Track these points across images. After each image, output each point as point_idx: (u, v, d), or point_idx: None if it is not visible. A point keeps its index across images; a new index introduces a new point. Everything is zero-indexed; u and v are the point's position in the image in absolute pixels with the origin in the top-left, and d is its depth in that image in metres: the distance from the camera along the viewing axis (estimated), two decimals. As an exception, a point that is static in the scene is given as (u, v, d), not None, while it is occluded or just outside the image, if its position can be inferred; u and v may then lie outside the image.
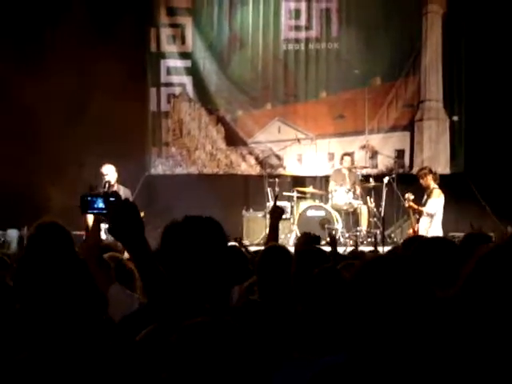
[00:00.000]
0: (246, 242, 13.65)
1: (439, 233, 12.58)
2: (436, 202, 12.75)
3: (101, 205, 2.97)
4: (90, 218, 11.96)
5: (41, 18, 15.14)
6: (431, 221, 12.77)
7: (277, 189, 14.49)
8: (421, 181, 12.91)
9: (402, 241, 12.74)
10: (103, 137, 14.35)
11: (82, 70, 14.90)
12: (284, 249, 5.08)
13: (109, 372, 2.43)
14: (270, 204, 14.31)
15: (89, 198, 3.04)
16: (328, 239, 10.52)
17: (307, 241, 5.82)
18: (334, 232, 13.19)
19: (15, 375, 2.45)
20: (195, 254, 2.96)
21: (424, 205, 12.80)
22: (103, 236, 10.40)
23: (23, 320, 2.81)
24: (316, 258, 4.56)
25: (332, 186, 14.36)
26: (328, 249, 6.38)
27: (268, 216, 13.72)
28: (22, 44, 14.55)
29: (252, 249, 9.51)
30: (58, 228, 4.16)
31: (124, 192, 12.24)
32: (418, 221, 12.84)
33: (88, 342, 2.53)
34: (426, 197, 12.90)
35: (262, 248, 8.15)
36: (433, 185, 12.83)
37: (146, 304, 3.81)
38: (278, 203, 7.15)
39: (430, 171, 13.00)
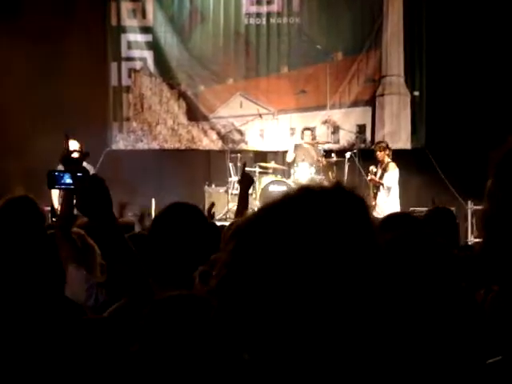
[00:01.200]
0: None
1: (397, 206, 12.79)
2: (392, 174, 12.97)
3: (68, 180, 2.94)
4: (55, 194, 11.95)
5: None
6: (388, 194, 12.95)
7: (239, 164, 14.47)
8: (378, 153, 13.10)
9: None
10: (64, 111, 14.23)
11: (42, 42, 14.72)
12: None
13: (72, 347, 2.41)
14: (232, 179, 14.32)
15: (56, 174, 3.01)
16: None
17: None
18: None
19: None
20: (182, 239, 3.00)
21: (381, 178, 12.98)
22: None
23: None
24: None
25: (290, 156, 14.37)
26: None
27: (230, 192, 13.76)
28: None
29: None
30: (29, 203, 4.06)
31: (87, 167, 12.16)
32: (375, 194, 13.01)
33: (46, 319, 2.50)
34: (381, 171, 13.08)
35: (226, 223, 8.15)
36: (387, 159, 13.03)
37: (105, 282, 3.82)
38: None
39: (387, 146, 13.21)
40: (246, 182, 5.94)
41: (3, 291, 2.52)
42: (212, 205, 7.84)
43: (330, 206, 1.29)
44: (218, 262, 1.34)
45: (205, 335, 1.84)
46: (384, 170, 13.02)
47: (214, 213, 8.19)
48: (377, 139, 15.63)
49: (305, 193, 1.33)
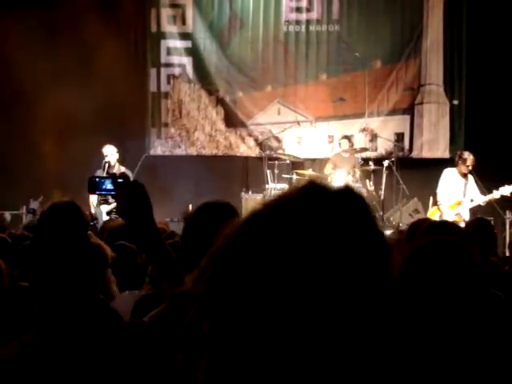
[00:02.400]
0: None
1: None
2: None
3: (109, 186, 2.96)
4: (93, 199, 12.05)
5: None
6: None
7: (276, 171, 14.48)
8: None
9: (400, 224, 12.83)
10: (103, 117, 14.36)
11: (83, 49, 14.88)
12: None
13: (117, 353, 2.43)
14: (269, 186, 14.32)
15: (97, 179, 3.03)
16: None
17: None
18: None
19: (22, 356, 2.45)
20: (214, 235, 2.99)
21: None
22: (105, 217, 10.47)
23: (30, 299, 2.82)
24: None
25: (328, 168, 14.33)
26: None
27: (271, 194, 13.73)
28: (27, 19, 14.46)
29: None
30: (74, 209, 3.99)
31: (125, 172, 12.28)
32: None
33: (86, 324, 2.53)
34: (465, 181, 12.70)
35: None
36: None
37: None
38: (282, 186, 7.04)
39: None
40: None
41: (45, 295, 2.55)
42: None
43: (335, 207, 1.17)
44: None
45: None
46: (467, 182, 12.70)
47: None
48: (415, 148, 15.56)
49: (308, 190, 1.21)
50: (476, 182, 12.66)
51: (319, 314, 1.10)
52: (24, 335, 2.57)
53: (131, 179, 11.10)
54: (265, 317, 1.11)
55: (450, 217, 12.22)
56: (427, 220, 5.96)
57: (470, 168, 12.56)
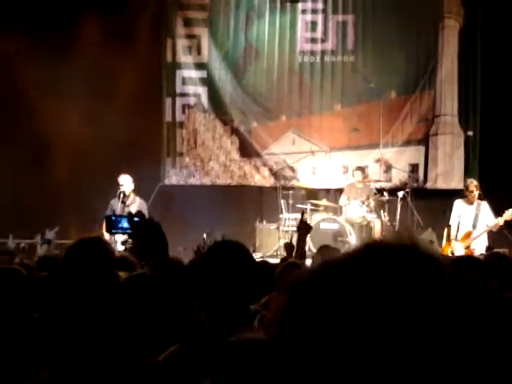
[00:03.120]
0: (258, 254, 13.69)
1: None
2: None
3: (125, 225, 2.99)
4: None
5: (65, 21, 15.17)
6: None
7: (290, 201, 14.50)
8: (479, 193, 12.54)
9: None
10: (118, 146, 14.42)
11: (99, 78, 14.96)
12: (302, 265, 5.10)
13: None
14: (284, 216, 14.33)
15: (113, 218, 3.07)
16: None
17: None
18: (347, 246, 13.19)
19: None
20: (225, 277, 3.00)
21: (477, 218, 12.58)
22: (119, 248, 10.47)
23: (42, 333, 2.82)
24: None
25: (343, 200, 14.32)
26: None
27: (282, 228, 13.75)
28: (42, 46, 14.58)
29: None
30: (100, 245, 3.90)
31: (139, 203, 12.30)
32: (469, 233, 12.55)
33: (108, 364, 2.52)
34: (475, 211, 12.58)
35: (276, 260, 8.15)
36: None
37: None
38: (296, 217, 7.07)
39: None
40: (305, 229, 5.97)
41: (65, 331, 2.56)
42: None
43: (401, 271, 1.13)
44: (271, 304, 1.30)
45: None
46: (479, 209, 12.57)
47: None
48: (429, 179, 15.55)
49: (373, 251, 1.17)
50: (492, 208, 12.53)
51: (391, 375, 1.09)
52: (39, 372, 2.57)
53: (146, 210, 11.11)
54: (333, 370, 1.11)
55: (460, 251, 12.14)
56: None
57: (475, 194, 12.47)
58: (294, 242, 6.30)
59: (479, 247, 12.21)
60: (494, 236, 12.78)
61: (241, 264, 3.13)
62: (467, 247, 12.31)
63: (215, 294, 3.07)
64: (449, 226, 12.72)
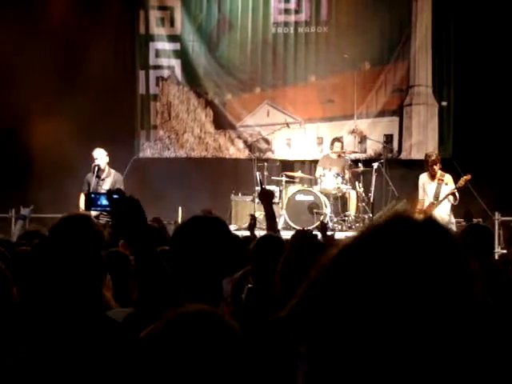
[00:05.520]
0: (233, 226, 13.69)
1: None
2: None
3: (104, 202, 2.99)
4: (82, 202, 12.03)
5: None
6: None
7: (265, 173, 14.49)
8: (438, 165, 12.63)
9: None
10: (91, 119, 14.33)
11: (71, 51, 14.86)
12: (278, 238, 5.10)
13: (110, 371, 2.43)
14: (259, 188, 14.31)
15: (92, 196, 3.06)
16: (318, 224, 10.50)
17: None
18: (322, 217, 13.24)
19: (15, 375, 2.43)
20: (204, 252, 3.00)
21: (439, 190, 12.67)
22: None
23: (22, 314, 2.81)
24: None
25: (319, 171, 14.34)
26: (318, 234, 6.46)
27: (257, 201, 13.76)
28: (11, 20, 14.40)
29: (240, 233, 9.53)
30: (87, 223, 3.87)
31: (115, 176, 12.27)
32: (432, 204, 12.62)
33: (88, 341, 2.52)
34: (438, 182, 12.66)
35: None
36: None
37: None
38: (267, 187, 7.12)
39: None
40: (266, 196, 5.99)
41: (48, 307, 2.55)
42: (253, 218, 7.81)
43: (424, 241, 1.24)
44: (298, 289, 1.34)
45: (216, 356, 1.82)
46: (442, 181, 12.65)
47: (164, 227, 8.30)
48: (404, 149, 15.60)
49: (395, 225, 1.28)
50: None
51: (414, 343, 1.19)
52: (17, 351, 2.55)
53: (122, 183, 11.06)
54: (360, 341, 1.20)
55: None
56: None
57: (436, 168, 12.58)
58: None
59: (442, 215, 12.29)
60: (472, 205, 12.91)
61: (217, 238, 3.12)
62: None
63: (191, 269, 3.05)
64: (419, 201, 12.81)
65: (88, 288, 2.60)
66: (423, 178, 12.80)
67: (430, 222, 1.29)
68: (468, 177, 12.43)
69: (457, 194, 12.45)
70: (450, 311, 1.20)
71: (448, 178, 12.66)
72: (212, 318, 1.89)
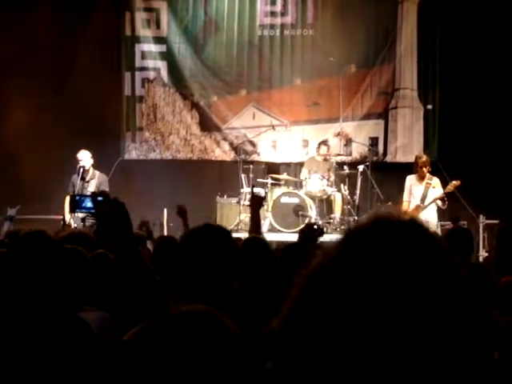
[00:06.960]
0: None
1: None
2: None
3: (89, 204, 3.00)
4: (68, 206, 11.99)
5: None
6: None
7: (251, 175, 14.48)
8: (427, 168, 12.56)
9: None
10: (77, 121, 14.31)
11: (56, 52, 14.82)
12: (263, 241, 5.11)
13: (95, 370, 2.42)
14: (244, 190, 14.29)
15: (77, 198, 3.08)
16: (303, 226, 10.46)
17: (312, 232, 5.89)
18: (308, 219, 13.25)
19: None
20: (210, 259, 3.03)
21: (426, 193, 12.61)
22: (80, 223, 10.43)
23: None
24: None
25: (304, 173, 14.35)
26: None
27: (242, 203, 13.76)
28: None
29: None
30: (45, 240, 3.77)
31: (100, 177, 12.27)
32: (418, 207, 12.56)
33: (54, 342, 2.51)
34: (425, 185, 12.60)
35: (237, 235, 8.18)
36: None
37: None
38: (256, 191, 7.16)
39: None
40: (256, 202, 6.02)
41: (19, 308, 2.54)
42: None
43: (407, 244, 1.22)
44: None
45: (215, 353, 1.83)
46: (430, 184, 12.59)
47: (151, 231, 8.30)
48: (389, 152, 15.63)
49: (378, 228, 1.25)
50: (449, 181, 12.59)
51: (402, 356, 1.14)
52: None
53: (107, 184, 11.04)
54: (345, 352, 1.15)
55: None
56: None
57: (425, 170, 12.51)
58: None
59: (428, 218, 12.22)
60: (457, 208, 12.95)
61: (226, 248, 3.16)
62: None
63: (195, 274, 3.07)
64: (404, 202, 12.77)
65: (58, 290, 2.60)
66: (411, 179, 12.73)
67: (413, 224, 1.26)
68: (457, 183, 12.39)
69: (445, 199, 12.42)
70: (438, 319, 1.16)
71: (436, 181, 12.62)
72: (209, 318, 1.90)
